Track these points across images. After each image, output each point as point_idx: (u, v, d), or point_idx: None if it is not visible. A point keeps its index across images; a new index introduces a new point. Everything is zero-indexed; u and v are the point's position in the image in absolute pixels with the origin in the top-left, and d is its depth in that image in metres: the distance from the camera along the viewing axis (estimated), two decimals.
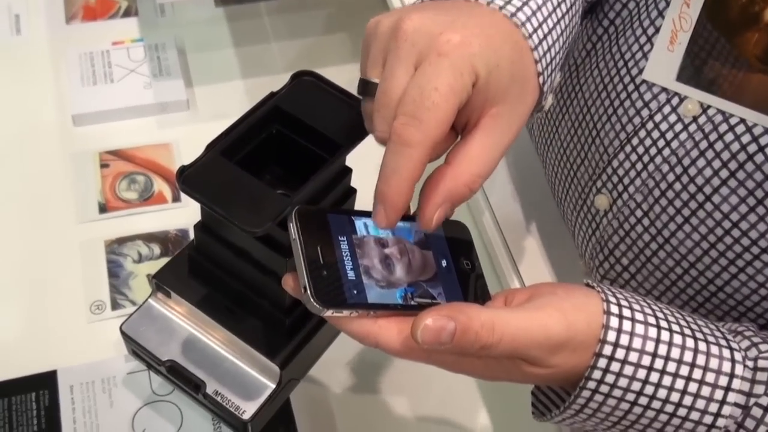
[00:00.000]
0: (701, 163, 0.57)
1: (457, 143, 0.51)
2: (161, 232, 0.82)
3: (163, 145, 0.88)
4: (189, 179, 0.51)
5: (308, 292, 0.46)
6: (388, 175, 0.47)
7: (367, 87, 0.51)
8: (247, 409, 0.59)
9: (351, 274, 0.48)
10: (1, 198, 0.83)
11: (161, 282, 0.61)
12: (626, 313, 0.48)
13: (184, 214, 0.83)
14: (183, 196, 0.84)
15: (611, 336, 0.48)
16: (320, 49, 1.00)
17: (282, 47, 0.99)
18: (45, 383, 0.69)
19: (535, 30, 0.52)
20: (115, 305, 0.76)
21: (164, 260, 0.79)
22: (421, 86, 0.47)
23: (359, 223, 0.51)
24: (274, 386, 0.60)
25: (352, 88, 0.57)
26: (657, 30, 0.58)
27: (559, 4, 0.55)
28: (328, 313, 0.47)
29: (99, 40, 0.95)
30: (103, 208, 0.83)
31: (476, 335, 0.45)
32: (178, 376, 0.60)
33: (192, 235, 0.81)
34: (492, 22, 0.51)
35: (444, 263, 0.53)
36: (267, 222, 0.50)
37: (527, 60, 0.51)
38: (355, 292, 0.48)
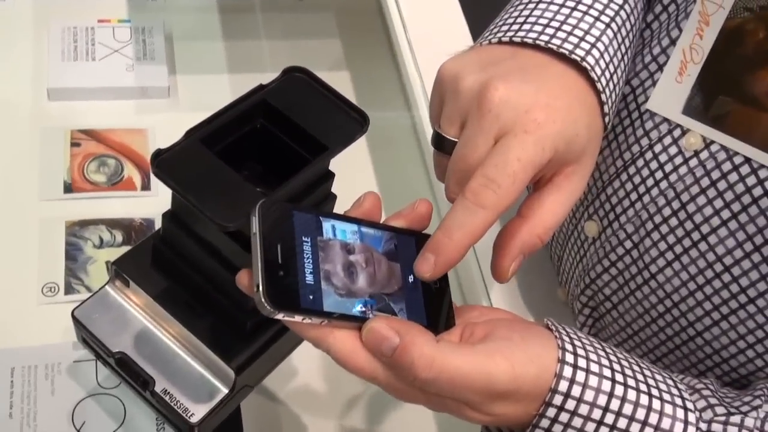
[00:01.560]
0: (701, 200, 0.56)
1: (530, 197, 0.53)
2: (126, 220, 0.79)
3: (138, 130, 0.85)
4: (164, 163, 0.49)
5: (260, 291, 0.44)
6: (452, 229, 0.48)
7: (442, 142, 0.52)
8: (196, 413, 0.56)
9: (309, 278, 0.46)
10: None
11: (121, 269, 0.58)
12: (581, 363, 0.47)
13: (152, 204, 0.80)
14: (153, 185, 0.81)
15: (563, 386, 0.46)
16: (311, 52, 0.97)
17: (272, 46, 0.97)
18: None
19: (607, 81, 0.54)
20: (69, 289, 0.73)
21: (126, 248, 0.76)
22: (504, 154, 0.48)
23: (327, 225, 0.48)
24: (226, 391, 0.57)
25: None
26: (668, 58, 0.57)
27: (623, 40, 0.57)
28: (279, 316, 0.45)
29: (85, 16, 0.91)
30: (69, 188, 0.79)
31: (411, 363, 0.45)
32: (127, 370, 0.57)
33: (158, 226, 0.78)
34: (567, 85, 0.53)
35: (411, 279, 0.51)
36: (241, 218, 0.48)
37: (598, 113, 0.54)
38: (311, 297, 0.46)
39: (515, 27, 0.56)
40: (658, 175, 0.58)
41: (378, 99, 0.96)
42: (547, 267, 0.77)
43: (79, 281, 0.74)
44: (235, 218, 0.48)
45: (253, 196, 0.49)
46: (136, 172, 0.82)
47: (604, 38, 0.55)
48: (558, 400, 0.46)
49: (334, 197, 0.58)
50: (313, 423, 0.72)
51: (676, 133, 0.57)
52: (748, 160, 0.53)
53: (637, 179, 0.60)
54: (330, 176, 0.56)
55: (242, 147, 0.54)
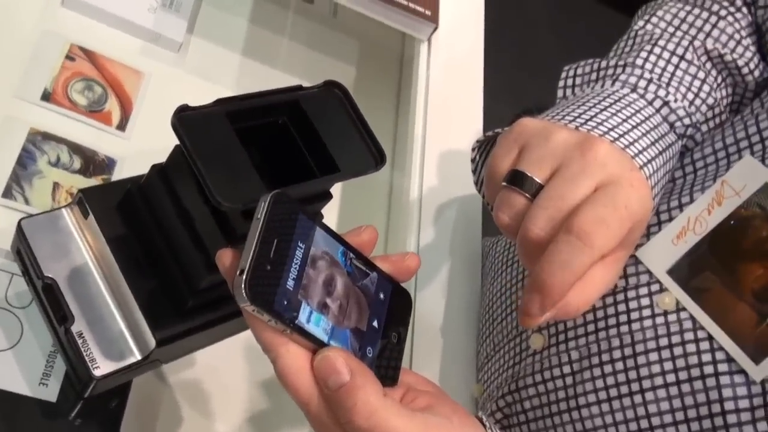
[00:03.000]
0: (653, 357, 0.57)
1: None
2: (90, 150, 0.76)
3: (136, 71, 0.83)
4: (185, 120, 0.48)
5: (243, 276, 0.44)
6: (556, 268, 0.48)
7: (523, 181, 0.52)
8: (102, 367, 0.54)
9: (290, 283, 0.46)
10: None
11: (85, 198, 0.56)
12: None
13: (121, 145, 0.78)
14: (128, 128, 0.79)
15: None
16: (323, 68, 0.97)
17: (291, 47, 0.96)
18: None
19: (653, 200, 0.56)
20: (7, 193, 0.70)
21: (78, 177, 0.74)
22: (614, 198, 0.49)
23: (323, 240, 0.49)
24: (139, 358, 0.55)
25: None
26: (670, 219, 0.59)
27: (665, 175, 0.59)
28: (250, 308, 0.44)
29: None
30: (47, 97, 0.77)
31: (354, 405, 0.44)
32: (51, 298, 0.55)
33: (119, 168, 0.76)
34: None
35: (375, 323, 0.51)
36: (240, 202, 0.47)
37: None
38: (285, 302, 0.45)
39: (580, 120, 0.57)
40: (622, 318, 0.60)
41: None
42: (470, 360, 0.77)
43: (20, 190, 0.71)
44: (233, 199, 0.47)
45: (257, 186, 0.48)
46: (117, 108, 0.80)
47: (656, 162, 0.57)
48: None
49: (321, 217, 0.57)
50: (190, 417, 0.70)
51: (654, 287, 0.59)
52: (711, 337, 0.55)
53: (600, 314, 0.61)
54: (328, 197, 0.55)
55: (257, 135, 0.53)
